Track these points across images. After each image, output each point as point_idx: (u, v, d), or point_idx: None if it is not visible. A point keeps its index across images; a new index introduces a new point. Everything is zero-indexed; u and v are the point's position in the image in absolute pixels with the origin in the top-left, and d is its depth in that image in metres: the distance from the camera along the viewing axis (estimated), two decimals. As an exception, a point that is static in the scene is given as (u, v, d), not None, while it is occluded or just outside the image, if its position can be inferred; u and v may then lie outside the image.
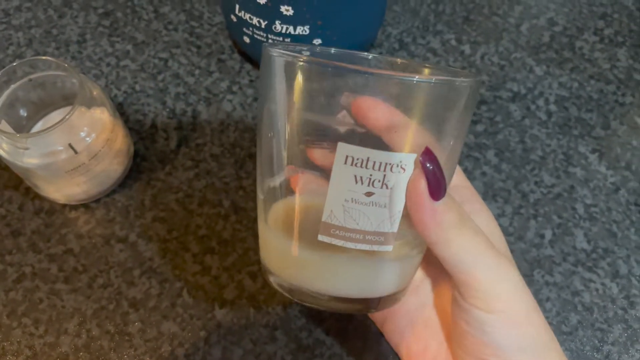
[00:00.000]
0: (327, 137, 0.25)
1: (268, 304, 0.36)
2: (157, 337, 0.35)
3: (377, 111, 0.28)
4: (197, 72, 0.45)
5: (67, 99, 0.40)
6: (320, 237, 0.25)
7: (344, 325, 0.35)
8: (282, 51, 0.25)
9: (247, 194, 0.39)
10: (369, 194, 0.24)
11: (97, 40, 0.46)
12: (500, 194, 0.39)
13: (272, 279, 0.28)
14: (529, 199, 0.39)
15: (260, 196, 0.28)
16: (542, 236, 0.38)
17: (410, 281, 0.28)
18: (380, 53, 0.45)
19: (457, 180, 0.30)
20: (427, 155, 0.24)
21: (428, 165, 0.23)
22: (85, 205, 0.39)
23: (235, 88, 0.44)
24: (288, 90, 0.25)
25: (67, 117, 0.33)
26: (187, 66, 0.45)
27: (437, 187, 0.24)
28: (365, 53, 0.30)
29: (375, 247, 0.25)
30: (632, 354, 0.34)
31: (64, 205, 0.39)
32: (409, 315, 0.32)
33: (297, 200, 0.27)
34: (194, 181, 0.40)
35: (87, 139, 0.35)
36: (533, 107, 0.43)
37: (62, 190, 0.37)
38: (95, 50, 0.46)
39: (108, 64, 0.45)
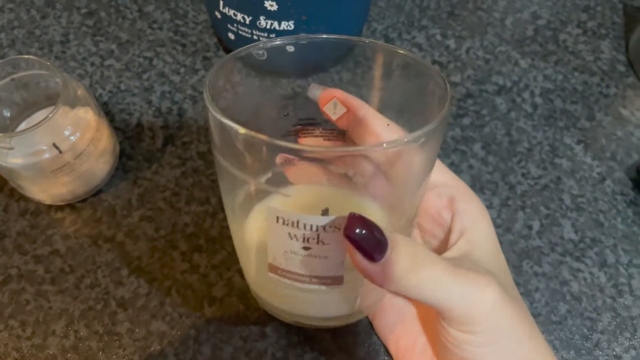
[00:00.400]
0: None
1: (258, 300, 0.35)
2: (146, 337, 0.34)
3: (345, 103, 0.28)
4: (182, 70, 0.44)
5: (51, 99, 0.39)
6: (270, 275, 0.25)
7: (335, 320, 0.35)
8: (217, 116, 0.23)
9: (235, 191, 0.39)
10: (306, 249, 0.24)
11: (80, 40, 0.46)
12: (487, 186, 0.40)
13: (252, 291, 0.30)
14: (517, 191, 0.39)
15: (230, 216, 0.29)
16: (530, 227, 0.38)
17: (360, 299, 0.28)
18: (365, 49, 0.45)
19: (447, 178, 0.30)
20: (352, 224, 0.22)
21: (357, 232, 0.22)
22: (71, 206, 0.38)
23: (221, 86, 0.43)
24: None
25: (50, 115, 0.33)
26: (172, 65, 0.45)
27: (375, 249, 0.22)
28: (356, 38, 0.29)
29: (324, 288, 0.25)
30: (621, 341, 0.35)
31: (50, 206, 0.39)
32: (399, 310, 0.32)
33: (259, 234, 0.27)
34: (181, 179, 0.40)
35: (72, 137, 0.35)
36: (519, 99, 0.43)
37: (47, 191, 0.37)
38: (79, 50, 0.45)
39: (92, 64, 0.45)
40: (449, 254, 0.27)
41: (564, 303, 0.36)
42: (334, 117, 0.30)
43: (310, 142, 0.31)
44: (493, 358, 0.25)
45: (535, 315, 0.35)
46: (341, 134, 0.30)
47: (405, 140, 0.21)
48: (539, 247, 0.37)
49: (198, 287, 0.36)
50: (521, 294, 0.36)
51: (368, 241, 0.22)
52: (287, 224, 0.23)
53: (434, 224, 0.30)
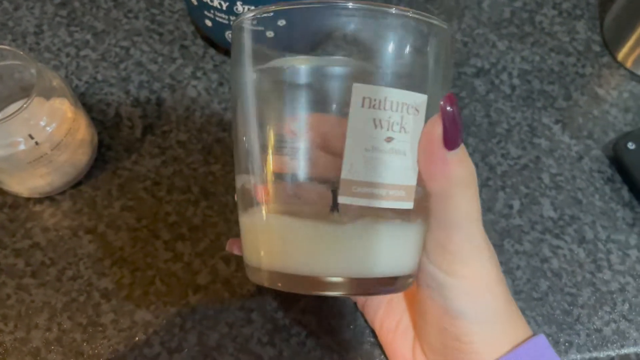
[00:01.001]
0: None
1: (242, 287, 0.35)
2: (131, 327, 0.34)
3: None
4: (160, 59, 0.44)
5: (26, 91, 0.39)
6: (341, 199, 0.22)
7: (319, 304, 0.35)
8: (250, 17, 0.23)
9: (216, 179, 0.39)
10: (389, 139, 0.22)
11: (54, 31, 0.45)
12: (468, 167, 0.40)
13: (270, 278, 0.24)
14: (497, 171, 0.40)
15: (243, 184, 0.25)
16: (511, 207, 0.39)
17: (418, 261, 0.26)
18: (344, 35, 0.45)
19: None
20: (449, 99, 0.22)
21: (449, 109, 0.22)
22: (50, 198, 0.38)
23: (199, 74, 0.43)
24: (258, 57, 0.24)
25: (25, 106, 0.33)
26: (149, 54, 0.44)
27: (453, 136, 0.22)
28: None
29: (398, 204, 0.23)
30: (601, 315, 0.35)
31: (28, 199, 0.38)
32: None
33: (297, 179, 0.23)
34: (162, 168, 0.39)
35: (48, 128, 0.34)
36: (497, 81, 0.44)
37: (25, 183, 0.36)
38: (53, 41, 0.44)
39: (67, 55, 0.44)
40: None
41: (545, 280, 0.36)
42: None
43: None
44: (471, 310, 0.26)
45: (517, 292, 0.36)
46: None
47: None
48: (519, 226, 0.38)
49: (182, 276, 0.36)
50: (503, 272, 0.36)
51: (453, 125, 0.22)
52: (373, 106, 0.22)
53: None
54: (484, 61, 0.45)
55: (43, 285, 0.35)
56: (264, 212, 0.24)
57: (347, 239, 0.23)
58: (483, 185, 0.39)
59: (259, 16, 0.24)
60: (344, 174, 0.22)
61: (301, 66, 0.23)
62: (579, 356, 0.34)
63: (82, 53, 0.44)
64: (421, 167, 0.23)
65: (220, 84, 0.43)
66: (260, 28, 0.25)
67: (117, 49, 0.44)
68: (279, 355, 0.34)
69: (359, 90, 0.22)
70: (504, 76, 0.44)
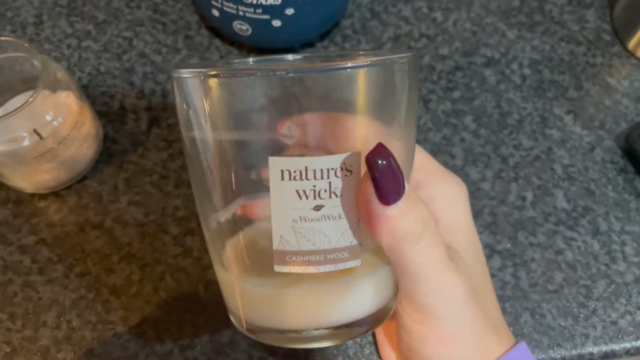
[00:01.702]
0: (266, 154, 0.22)
1: (254, 282, 0.35)
2: (142, 323, 0.33)
3: (311, 124, 0.25)
4: (164, 50, 0.43)
5: (27, 83, 0.38)
6: (277, 268, 0.22)
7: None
8: (193, 70, 0.21)
9: (225, 173, 0.38)
10: (317, 208, 0.21)
11: (55, 21, 0.44)
12: (480, 158, 0.39)
13: (239, 324, 0.26)
14: (509, 163, 0.39)
15: (207, 235, 0.25)
16: (524, 198, 0.38)
17: (396, 290, 0.25)
18: (352, 23, 0.45)
19: (416, 162, 0.28)
20: (377, 152, 0.20)
21: (380, 162, 0.20)
22: (55, 193, 0.37)
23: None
24: (211, 113, 0.22)
25: (31, 100, 0.32)
26: (153, 44, 0.43)
27: (390, 190, 0.20)
28: (289, 55, 0.26)
29: (340, 266, 0.22)
30: (616, 307, 0.35)
31: (33, 195, 0.37)
32: None
33: (248, 236, 0.24)
34: (169, 162, 0.38)
35: (54, 123, 0.34)
36: (507, 71, 0.43)
37: (29, 178, 0.36)
38: (54, 32, 0.43)
39: (69, 46, 0.43)
40: None
41: (560, 272, 0.36)
42: (290, 142, 0.27)
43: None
44: (438, 356, 0.25)
45: (532, 285, 0.35)
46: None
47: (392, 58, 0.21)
48: (533, 218, 0.38)
49: (192, 271, 0.35)
50: (517, 264, 0.36)
51: (388, 178, 0.20)
52: (294, 178, 0.21)
53: None
54: (493, 51, 0.44)
55: (50, 282, 0.34)
56: (225, 270, 0.25)
57: (292, 300, 0.23)
58: (496, 176, 0.39)
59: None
60: (275, 245, 0.22)
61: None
62: (595, 349, 0.34)
63: (83, 44, 0.43)
64: (364, 224, 0.22)
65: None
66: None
67: (119, 39, 0.43)
68: (293, 351, 0.33)
69: (276, 163, 0.21)
70: (515, 66, 0.43)
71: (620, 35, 0.45)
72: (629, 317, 0.35)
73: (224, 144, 0.23)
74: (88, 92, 0.41)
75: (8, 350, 0.33)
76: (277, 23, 0.38)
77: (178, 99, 0.23)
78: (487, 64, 0.43)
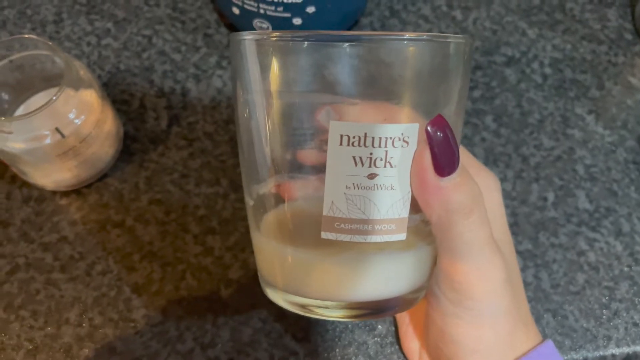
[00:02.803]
0: (314, 125, 0.22)
1: (275, 281, 0.35)
2: (163, 322, 0.34)
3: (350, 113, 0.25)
4: (183, 48, 0.43)
5: (49, 81, 0.38)
6: (324, 235, 0.22)
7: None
8: (255, 32, 0.22)
9: (245, 171, 0.38)
10: (372, 176, 0.21)
11: (74, 19, 0.44)
12: (501, 158, 0.39)
13: (275, 295, 0.26)
14: (530, 163, 0.39)
15: (249, 202, 0.25)
16: (545, 199, 0.38)
17: (430, 274, 0.25)
18: (371, 22, 0.44)
19: None
20: (437, 123, 0.20)
21: (438, 134, 0.20)
22: (77, 191, 0.37)
23: (224, 63, 0.42)
24: (264, 77, 0.22)
25: (54, 98, 0.32)
26: (172, 42, 0.43)
27: (446, 161, 0.21)
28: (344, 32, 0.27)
29: (386, 237, 0.22)
30: (639, 309, 0.35)
31: (54, 192, 0.37)
32: None
33: (294, 205, 0.24)
34: (189, 161, 0.38)
35: (76, 121, 0.34)
36: (528, 70, 0.43)
37: (51, 176, 0.36)
38: (73, 30, 0.43)
39: (89, 44, 0.43)
40: None
41: (582, 273, 0.36)
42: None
43: (304, 155, 0.28)
44: (468, 341, 0.25)
45: (554, 286, 0.35)
46: None
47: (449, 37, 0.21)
48: (554, 218, 0.37)
49: (213, 270, 0.35)
50: (539, 265, 0.36)
51: (444, 149, 0.20)
52: (352, 144, 0.21)
53: None
54: (514, 50, 0.44)
55: (72, 279, 0.35)
56: (267, 238, 0.25)
57: (334, 270, 0.23)
58: (517, 177, 0.39)
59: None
60: (326, 211, 0.22)
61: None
62: (617, 350, 0.34)
63: (103, 42, 0.43)
64: (416, 196, 0.22)
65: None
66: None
67: (139, 37, 0.43)
68: (314, 351, 0.33)
69: (336, 127, 0.21)
70: (535, 65, 0.43)
71: (642, 34, 0.44)
72: (652, 320, 0.34)
73: (281, 106, 0.23)
74: (108, 91, 0.41)
75: (30, 347, 0.33)
76: (297, 21, 0.38)
77: (235, 62, 0.23)
78: (507, 63, 0.43)
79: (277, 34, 0.21)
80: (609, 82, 0.42)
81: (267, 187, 0.24)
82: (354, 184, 0.21)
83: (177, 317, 0.34)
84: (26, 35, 0.33)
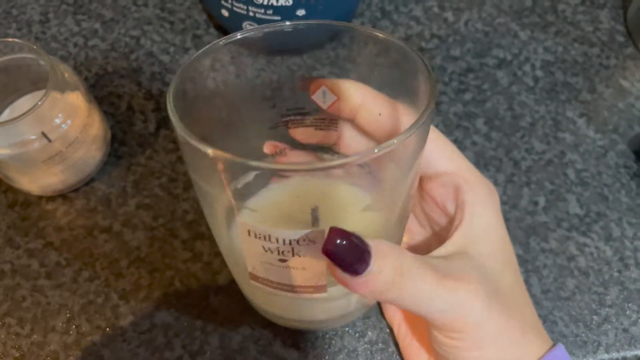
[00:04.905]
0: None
1: (264, 287, 0.34)
2: (151, 329, 0.33)
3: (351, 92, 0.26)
4: (172, 49, 0.42)
5: (35, 84, 0.37)
6: (252, 282, 0.24)
7: (344, 305, 0.34)
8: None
9: (235, 176, 0.38)
10: (282, 261, 0.22)
11: (61, 20, 0.43)
12: (492, 162, 0.39)
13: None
14: (521, 167, 0.39)
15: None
16: (536, 203, 0.38)
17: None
18: (362, 23, 0.44)
19: (454, 166, 0.28)
20: (332, 238, 0.20)
21: (337, 243, 0.20)
22: (63, 196, 0.37)
23: (215, 65, 0.42)
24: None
25: (39, 103, 0.31)
26: (160, 44, 0.42)
27: (358, 262, 0.21)
28: (341, 24, 0.27)
29: (307, 296, 0.24)
30: (629, 314, 0.35)
31: (40, 197, 0.37)
32: None
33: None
34: (177, 164, 0.38)
35: (63, 125, 0.33)
36: (519, 73, 0.42)
37: (37, 181, 0.35)
38: (60, 30, 0.43)
39: (75, 44, 0.42)
40: (442, 250, 0.26)
41: (572, 278, 0.36)
42: (324, 106, 0.28)
43: (301, 133, 0.29)
44: (475, 357, 0.25)
45: (544, 292, 0.35)
46: (334, 121, 0.29)
47: (382, 149, 0.20)
48: (545, 223, 0.37)
49: (202, 276, 0.35)
50: (529, 271, 0.36)
51: (349, 254, 0.21)
52: (260, 238, 0.22)
53: (440, 212, 0.29)
54: (505, 52, 0.43)
55: (59, 286, 0.34)
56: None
57: (274, 300, 0.27)
58: (508, 181, 0.38)
59: None
60: (249, 269, 0.24)
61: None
62: (606, 356, 0.34)
63: (90, 43, 0.42)
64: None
65: (237, 76, 0.41)
66: None
67: (127, 38, 0.43)
68: (304, 358, 0.33)
69: (244, 225, 0.22)
70: (527, 67, 0.43)
71: (634, 37, 0.44)
72: (642, 325, 0.34)
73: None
74: (95, 93, 0.40)
75: (17, 355, 0.32)
76: (287, 28, 0.38)
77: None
78: (499, 66, 0.43)
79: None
80: (601, 85, 0.42)
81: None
82: (267, 262, 0.23)
83: (165, 324, 0.33)
84: (10, 39, 0.33)
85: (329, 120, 0.29)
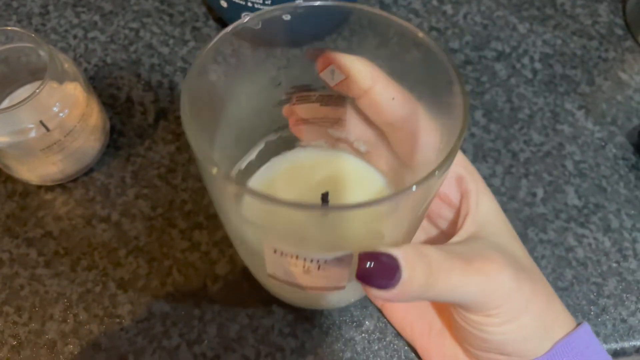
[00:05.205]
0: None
1: (262, 277, 0.35)
2: (149, 318, 0.33)
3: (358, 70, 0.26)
4: (171, 41, 0.42)
5: (34, 74, 0.37)
6: (271, 280, 0.25)
7: (342, 294, 0.34)
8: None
9: (233, 166, 0.38)
10: (307, 272, 0.23)
11: (61, 12, 0.43)
12: (490, 154, 0.39)
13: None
14: (519, 158, 0.39)
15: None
16: (534, 194, 0.38)
17: None
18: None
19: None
20: (362, 264, 0.21)
21: (368, 267, 0.21)
22: (62, 186, 0.37)
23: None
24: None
25: (37, 91, 0.31)
26: (160, 36, 0.43)
27: (390, 279, 0.21)
28: (353, 5, 0.27)
29: (326, 292, 0.25)
30: (627, 305, 0.35)
31: (39, 187, 0.37)
32: None
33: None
34: (176, 155, 0.38)
35: (60, 114, 0.33)
36: (518, 65, 0.42)
37: (36, 170, 0.35)
38: (60, 22, 0.43)
39: (75, 36, 0.42)
40: (456, 238, 0.27)
41: (570, 269, 0.36)
42: (332, 84, 0.28)
43: (305, 109, 0.29)
44: (514, 334, 0.25)
45: (542, 282, 0.35)
46: (341, 98, 0.29)
47: (420, 185, 0.19)
48: (543, 214, 0.37)
49: (200, 266, 0.35)
50: (527, 261, 0.36)
51: (381, 275, 0.21)
52: (285, 256, 0.22)
53: (441, 204, 0.29)
54: (504, 44, 0.43)
55: (57, 275, 0.34)
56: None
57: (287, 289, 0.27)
58: (506, 172, 0.38)
59: None
60: (269, 271, 0.24)
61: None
62: (605, 347, 0.34)
63: (90, 35, 0.42)
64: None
65: (237, 67, 0.41)
66: None
67: (126, 30, 0.43)
68: (301, 347, 0.33)
69: (270, 244, 0.22)
70: (526, 60, 0.43)
71: (633, 30, 0.44)
72: (639, 315, 0.34)
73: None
74: (94, 84, 0.41)
75: (14, 343, 0.32)
76: (286, 16, 0.38)
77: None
78: (497, 58, 0.43)
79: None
80: (599, 77, 0.42)
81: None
82: (291, 271, 0.23)
83: (163, 313, 0.33)
84: (9, 28, 0.33)
85: (337, 96, 0.28)
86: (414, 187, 0.19)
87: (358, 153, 0.30)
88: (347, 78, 0.27)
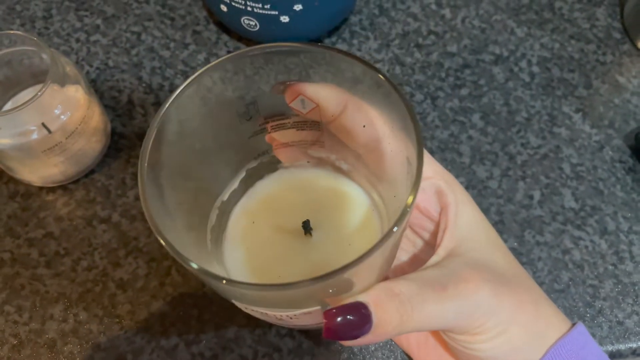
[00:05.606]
0: None
1: (260, 278, 0.35)
2: (148, 318, 0.34)
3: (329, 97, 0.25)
4: (172, 45, 0.43)
5: (37, 77, 0.38)
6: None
7: (339, 295, 0.35)
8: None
9: (232, 168, 0.38)
10: (280, 320, 0.23)
11: (64, 15, 0.44)
12: (487, 157, 0.39)
13: None
14: (517, 161, 0.39)
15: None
16: (531, 197, 0.38)
17: None
18: (360, 20, 0.44)
19: (430, 170, 0.27)
20: (329, 322, 0.21)
21: (338, 322, 0.21)
22: (63, 187, 0.37)
23: (212, 60, 0.42)
24: None
25: (39, 93, 0.32)
26: (161, 39, 0.43)
27: (361, 327, 0.21)
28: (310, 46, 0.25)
29: (308, 327, 0.26)
30: (623, 307, 0.35)
31: (41, 188, 0.37)
32: None
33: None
34: (176, 157, 0.38)
35: (62, 117, 0.34)
36: (516, 69, 0.43)
37: (37, 172, 0.36)
38: (62, 26, 0.43)
39: (77, 40, 0.43)
40: (435, 257, 0.26)
41: (566, 271, 0.36)
42: (304, 112, 0.28)
43: (282, 135, 0.29)
44: (504, 347, 0.25)
45: (539, 284, 0.35)
46: (315, 122, 0.28)
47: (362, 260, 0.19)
48: (540, 217, 0.37)
49: (199, 266, 0.35)
50: (524, 263, 0.36)
51: (351, 327, 0.21)
52: (256, 312, 0.23)
53: (422, 217, 0.29)
54: (502, 48, 0.44)
55: (58, 275, 0.35)
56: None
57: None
58: (503, 175, 0.39)
59: None
60: (245, 310, 0.24)
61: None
62: (601, 349, 0.34)
63: (92, 38, 0.43)
64: None
65: (235, 73, 0.42)
66: None
67: (128, 34, 0.43)
68: (298, 347, 0.33)
69: (241, 302, 0.22)
70: (523, 63, 0.43)
71: (631, 34, 0.44)
72: (635, 317, 0.34)
73: None
74: (96, 87, 0.41)
75: (15, 342, 0.33)
76: (285, 19, 0.38)
77: None
78: (495, 62, 0.43)
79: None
80: (597, 80, 0.43)
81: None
82: (265, 317, 0.24)
83: (161, 313, 0.34)
84: (12, 31, 0.33)
85: (311, 121, 0.28)
86: (377, 250, 0.19)
87: (340, 171, 0.30)
88: (317, 106, 0.27)
